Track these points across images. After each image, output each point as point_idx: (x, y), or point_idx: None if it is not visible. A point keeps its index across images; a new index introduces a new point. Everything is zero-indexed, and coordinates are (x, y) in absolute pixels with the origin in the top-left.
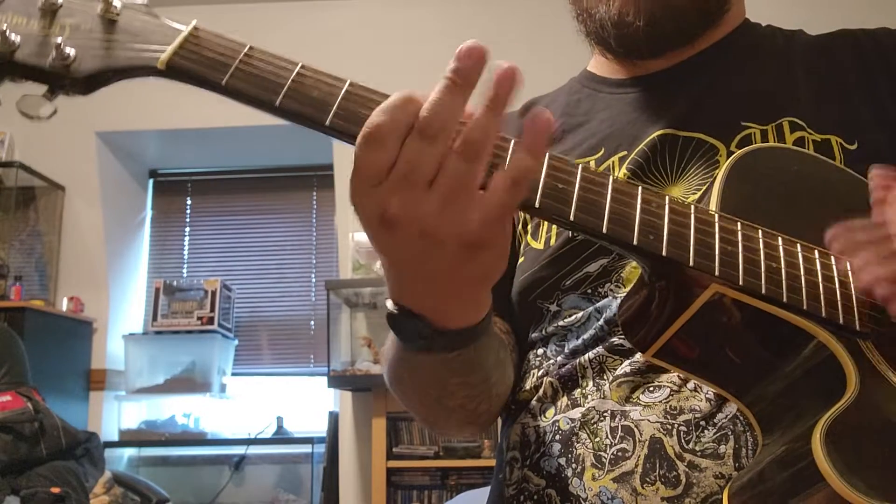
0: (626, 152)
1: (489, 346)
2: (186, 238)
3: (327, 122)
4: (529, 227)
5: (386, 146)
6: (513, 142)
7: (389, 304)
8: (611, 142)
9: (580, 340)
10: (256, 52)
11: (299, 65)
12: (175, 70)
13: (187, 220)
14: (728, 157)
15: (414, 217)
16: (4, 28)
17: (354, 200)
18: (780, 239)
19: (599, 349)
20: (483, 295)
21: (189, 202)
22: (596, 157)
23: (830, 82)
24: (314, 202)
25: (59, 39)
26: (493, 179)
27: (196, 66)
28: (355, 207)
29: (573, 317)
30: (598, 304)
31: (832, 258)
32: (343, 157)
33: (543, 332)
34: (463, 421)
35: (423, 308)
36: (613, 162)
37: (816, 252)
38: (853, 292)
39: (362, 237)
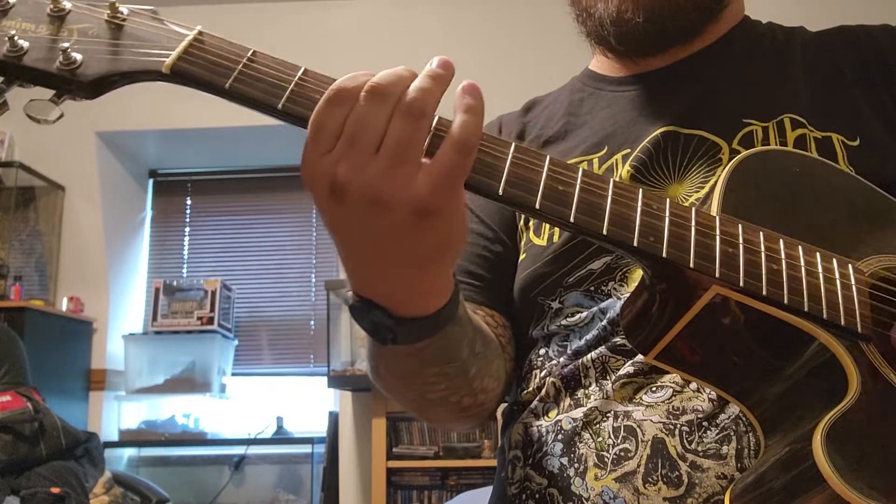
0: (629, 150)
1: (460, 335)
2: (186, 238)
3: None
4: (532, 224)
5: (347, 105)
6: (455, 107)
7: (350, 295)
8: (613, 139)
9: (583, 341)
10: (260, 56)
11: (301, 69)
12: (180, 74)
13: (187, 220)
14: (730, 155)
15: (361, 182)
16: (13, 34)
17: (307, 174)
18: (781, 241)
19: (602, 349)
20: (440, 277)
21: (189, 202)
22: (599, 154)
23: (831, 79)
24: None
25: (66, 44)
26: (441, 147)
27: (200, 70)
28: (308, 182)
29: (576, 317)
30: (602, 305)
31: (834, 260)
32: None
33: (545, 330)
34: (449, 414)
35: (380, 295)
36: (616, 160)
37: (818, 254)
38: (855, 294)
39: None
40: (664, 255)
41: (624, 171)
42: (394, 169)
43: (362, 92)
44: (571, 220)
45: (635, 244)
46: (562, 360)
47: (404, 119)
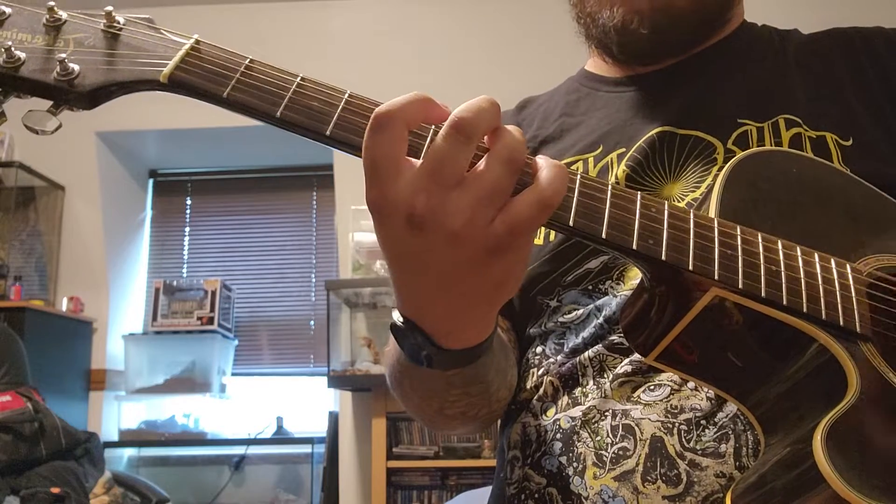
0: (624, 149)
1: (490, 361)
2: (186, 238)
3: (328, 133)
4: None
5: (393, 130)
6: (540, 161)
7: (396, 315)
8: (609, 139)
9: (580, 339)
10: (257, 64)
11: (299, 76)
12: (177, 83)
13: (187, 220)
14: (724, 155)
15: (442, 215)
16: (10, 45)
17: (380, 204)
18: (779, 242)
19: (599, 347)
20: (489, 314)
21: (189, 202)
22: (594, 154)
23: (824, 80)
24: (314, 202)
25: (63, 55)
26: (524, 194)
27: (198, 79)
28: (378, 209)
29: (573, 314)
30: (598, 302)
31: (832, 261)
32: (343, 157)
33: (542, 328)
34: (462, 424)
35: (426, 322)
36: (612, 159)
37: (816, 255)
38: (853, 294)
39: (362, 237)
40: (663, 257)
41: (619, 170)
42: (479, 209)
43: (445, 126)
44: (571, 223)
45: (634, 247)
46: (559, 358)
47: (504, 167)
